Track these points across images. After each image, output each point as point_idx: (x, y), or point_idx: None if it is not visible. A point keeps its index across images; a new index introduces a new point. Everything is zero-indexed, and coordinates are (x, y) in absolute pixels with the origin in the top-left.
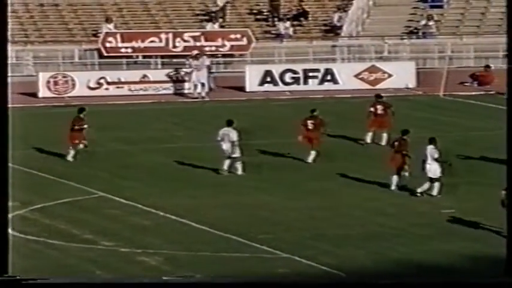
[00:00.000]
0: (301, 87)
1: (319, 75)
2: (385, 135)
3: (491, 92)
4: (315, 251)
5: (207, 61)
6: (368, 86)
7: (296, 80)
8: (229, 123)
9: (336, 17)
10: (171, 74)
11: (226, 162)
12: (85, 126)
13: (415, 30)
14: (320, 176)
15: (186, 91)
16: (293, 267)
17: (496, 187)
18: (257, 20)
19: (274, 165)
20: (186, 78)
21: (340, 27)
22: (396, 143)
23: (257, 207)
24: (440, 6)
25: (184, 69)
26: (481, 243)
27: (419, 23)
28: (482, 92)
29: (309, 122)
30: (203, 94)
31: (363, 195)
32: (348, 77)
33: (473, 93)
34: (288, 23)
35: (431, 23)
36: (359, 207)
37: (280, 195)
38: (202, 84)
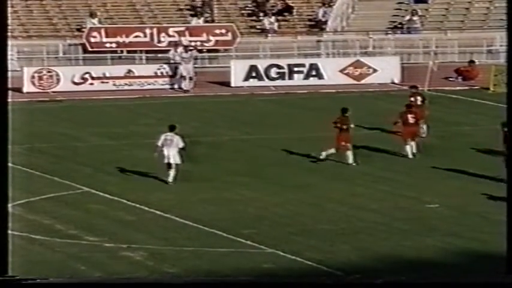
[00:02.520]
0: (286, 82)
1: (304, 70)
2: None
3: (476, 87)
4: (300, 246)
5: (194, 54)
6: (353, 81)
7: (281, 75)
8: (172, 128)
9: (320, 12)
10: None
11: (169, 170)
12: (351, 125)
13: (400, 26)
14: (304, 171)
15: (170, 86)
16: (278, 262)
17: (478, 182)
18: (242, 15)
19: (258, 160)
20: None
21: (325, 22)
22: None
23: (241, 203)
24: (425, 2)
25: (173, 61)
26: (463, 239)
27: (403, 18)
28: (466, 87)
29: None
30: (189, 88)
31: (347, 191)
32: (333, 72)
33: (458, 88)
34: (272, 18)
35: (415, 18)
36: (343, 202)
37: (264, 191)
38: (190, 78)
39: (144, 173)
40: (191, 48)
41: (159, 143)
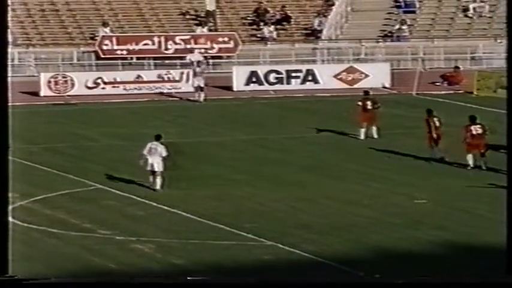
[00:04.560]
0: (285, 86)
1: (301, 75)
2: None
3: (460, 91)
4: (297, 239)
5: (204, 66)
6: (346, 86)
7: (280, 80)
8: (157, 138)
9: (316, 21)
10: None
11: (151, 177)
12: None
13: (390, 34)
14: (301, 169)
15: (178, 91)
16: (277, 254)
17: (463, 179)
18: (243, 24)
19: (259, 159)
20: (179, 78)
21: (321, 31)
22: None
23: (243, 199)
24: (413, 12)
25: (185, 69)
26: (449, 232)
27: (393, 27)
28: (451, 91)
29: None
30: (201, 99)
31: (341, 188)
32: (327, 77)
33: (444, 92)
34: (272, 27)
35: (404, 27)
36: (337, 199)
37: (264, 188)
38: (201, 89)
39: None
40: (202, 61)
41: (144, 152)
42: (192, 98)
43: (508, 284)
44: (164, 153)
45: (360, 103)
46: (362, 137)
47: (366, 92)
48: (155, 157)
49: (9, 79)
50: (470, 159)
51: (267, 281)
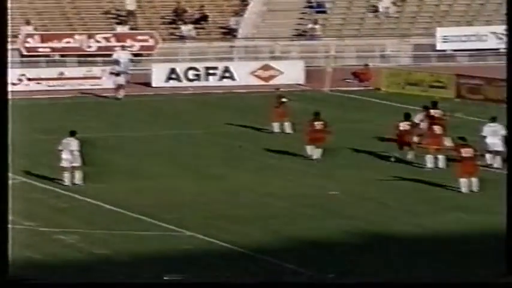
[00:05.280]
0: (203, 83)
1: (219, 72)
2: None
3: (370, 88)
4: (216, 229)
5: (128, 64)
6: (262, 82)
7: (198, 77)
8: (72, 134)
9: (233, 20)
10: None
11: (65, 173)
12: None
13: (303, 33)
14: (219, 162)
15: (100, 87)
16: (196, 244)
17: (372, 170)
18: (163, 23)
19: (179, 153)
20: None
21: (237, 30)
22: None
23: (164, 191)
24: (325, 12)
25: (107, 67)
26: (360, 221)
27: (306, 26)
28: (362, 88)
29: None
30: (120, 96)
31: (258, 181)
32: (244, 74)
33: (355, 88)
34: (190, 26)
35: (317, 26)
36: (255, 190)
37: (184, 180)
38: (122, 87)
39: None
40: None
41: (60, 147)
42: (112, 95)
43: (508, 284)
44: (74, 147)
45: (274, 99)
46: (276, 131)
47: (278, 89)
48: (69, 152)
49: None
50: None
51: (267, 281)
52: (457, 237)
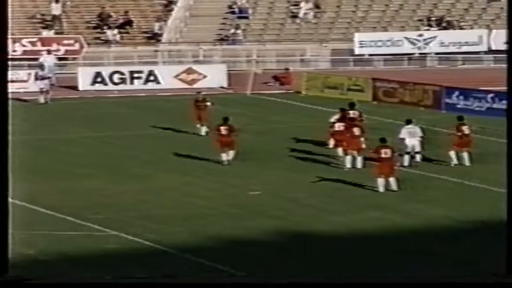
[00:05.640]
0: (128, 86)
1: (144, 76)
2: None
3: (291, 91)
4: (141, 228)
5: (54, 68)
6: (186, 86)
7: (123, 81)
8: None
9: (157, 25)
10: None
11: None
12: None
13: (226, 38)
14: (143, 164)
15: (26, 90)
16: (121, 243)
17: (293, 171)
18: (88, 27)
19: (105, 154)
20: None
21: (161, 35)
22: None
23: (90, 192)
24: (246, 17)
25: (33, 70)
26: (281, 220)
27: (229, 31)
28: (283, 91)
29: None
30: (42, 101)
31: (182, 181)
32: (168, 77)
33: (276, 92)
34: (115, 31)
35: (239, 31)
36: (178, 190)
37: (110, 181)
38: (47, 91)
39: None
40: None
41: None
42: (37, 98)
43: (508, 284)
44: None
45: (197, 102)
46: (202, 133)
47: (199, 92)
48: None
49: None
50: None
51: (266, 281)
52: (374, 235)
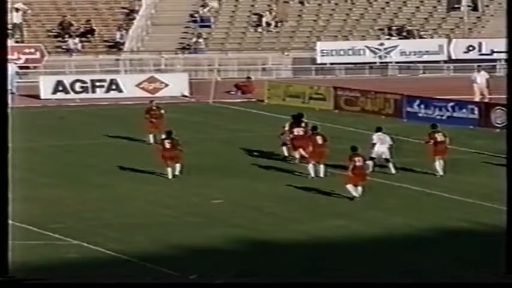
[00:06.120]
0: (90, 95)
1: (106, 84)
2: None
3: (253, 100)
4: (102, 237)
5: (16, 77)
6: (148, 94)
7: (85, 89)
8: None
9: (118, 34)
10: None
11: None
12: None
13: (188, 46)
14: (105, 172)
15: None
16: (82, 252)
17: (255, 180)
18: (49, 36)
19: (66, 163)
20: None
21: (123, 43)
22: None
23: (51, 201)
24: (208, 26)
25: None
26: (243, 229)
27: (191, 40)
28: (245, 100)
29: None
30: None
31: (144, 189)
32: (130, 86)
33: (238, 100)
34: (76, 39)
35: (201, 40)
36: (140, 199)
37: (71, 190)
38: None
39: None
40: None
41: None
42: None
43: (508, 284)
44: None
45: (147, 111)
46: (151, 142)
47: (152, 101)
48: None
49: None
50: (311, 169)
51: (265, 281)
52: (334, 243)
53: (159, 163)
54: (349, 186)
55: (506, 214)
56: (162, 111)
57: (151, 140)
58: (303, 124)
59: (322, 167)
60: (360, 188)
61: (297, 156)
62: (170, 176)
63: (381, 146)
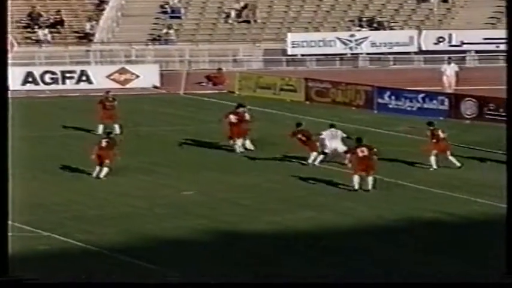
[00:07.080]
0: (60, 86)
1: (76, 76)
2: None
3: (224, 91)
4: (72, 229)
5: None
6: (119, 86)
7: (55, 80)
8: None
9: (88, 25)
10: None
11: None
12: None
13: (158, 38)
14: (76, 164)
15: None
16: (52, 243)
17: (227, 172)
18: (18, 27)
19: (36, 155)
20: None
21: (93, 35)
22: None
23: (21, 193)
24: (179, 17)
25: None
26: (213, 220)
27: (161, 31)
28: (216, 91)
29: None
30: None
31: (112, 181)
32: (101, 77)
33: (208, 91)
34: (46, 30)
35: (171, 31)
36: (110, 191)
37: (42, 181)
38: None
39: None
40: None
41: None
42: None
43: (508, 284)
44: None
45: (101, 102)
46: (100, 132)
47: (108, 92)
48: None
49: None
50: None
51: (266, 282)
52: (309, 234)
53: (90, 159)
54: (355, 178)
55: (506, 214)
56: (116, 103)
57: (101, 130)
58: (240, 109)
59: (370, 179)
60: (370, 179)
61: (235, 142)
62: (95, 175)
63: (333, 140)
